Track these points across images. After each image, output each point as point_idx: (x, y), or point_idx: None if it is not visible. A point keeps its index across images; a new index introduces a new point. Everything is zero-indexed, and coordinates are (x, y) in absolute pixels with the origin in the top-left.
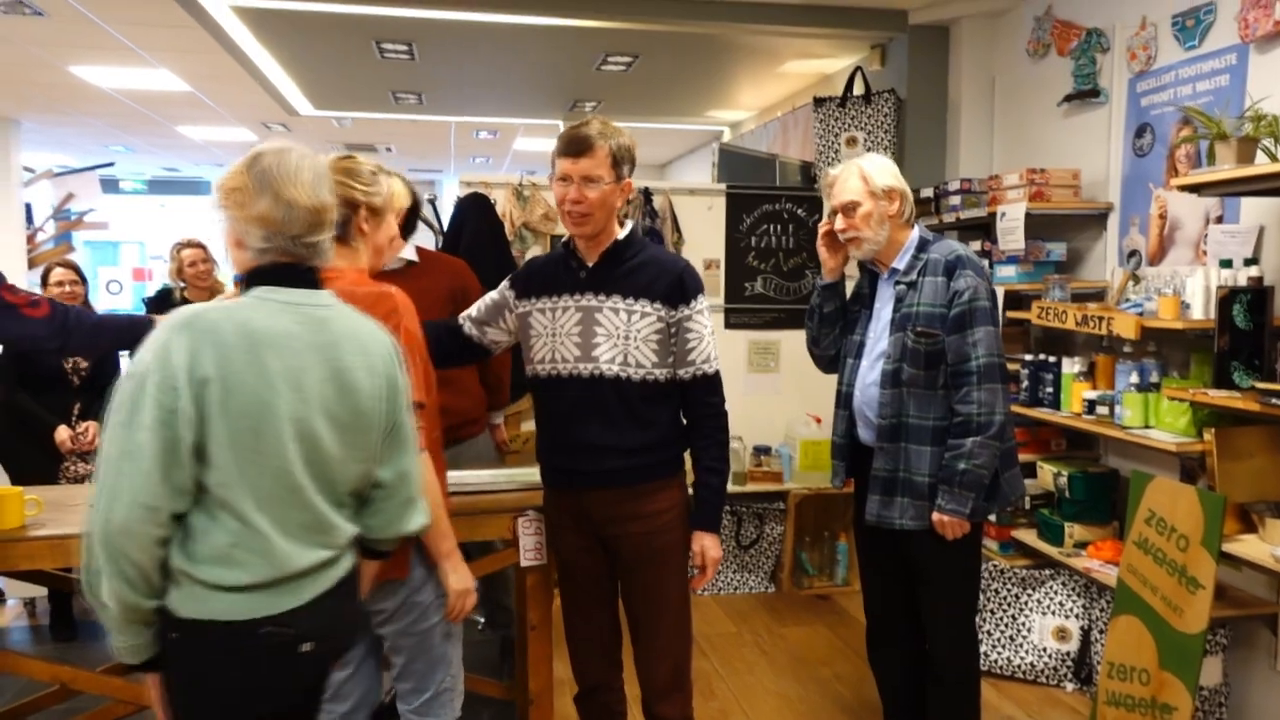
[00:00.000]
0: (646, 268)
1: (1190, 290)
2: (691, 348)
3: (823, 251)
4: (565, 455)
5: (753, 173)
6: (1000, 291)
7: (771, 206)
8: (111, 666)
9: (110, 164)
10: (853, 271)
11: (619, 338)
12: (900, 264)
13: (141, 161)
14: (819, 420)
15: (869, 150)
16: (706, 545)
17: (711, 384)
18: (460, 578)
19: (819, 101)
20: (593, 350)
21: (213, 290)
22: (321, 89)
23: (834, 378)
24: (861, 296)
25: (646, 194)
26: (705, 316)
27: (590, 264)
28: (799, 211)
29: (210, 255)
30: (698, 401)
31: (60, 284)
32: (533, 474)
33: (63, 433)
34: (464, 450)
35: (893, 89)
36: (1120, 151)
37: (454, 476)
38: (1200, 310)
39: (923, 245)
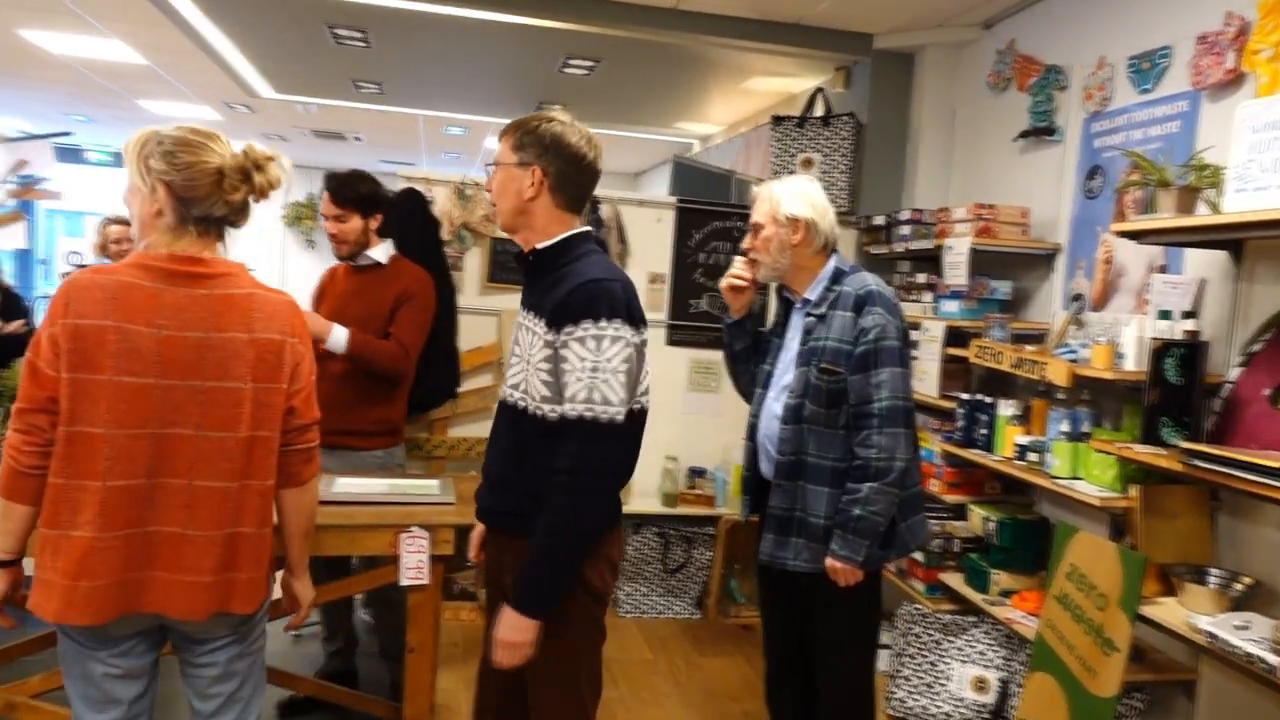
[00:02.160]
0: (560, 281)
1: (1125, 340)
2: (565, 382)
3: (725, 288)
4: (481, 484)
5: (708, 188)
6: (941, 326)
7: (722, 223)
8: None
9: (67, 133)
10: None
11: (525, 361)
12: (812, 295)
13: (105, 133)
14: None
15: (824, 173)
16: (502, 621)
17: (576, 431)
18: (309, 587)
19: (777, 120)
20: (509, 372)
21: None
22: (279, 72)
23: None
24: (776, 325)
25: (594, 202)
26: (592, 347)
27: (525, 271)
28: None
29: None
30: (560, 448)
31: None
32: (429, 487)
33: None
34: (367, 459)
35: (852, 112)
36: (1071, 192)
37: (340, 486)
38: (1133, 361)
39: (837, 277)
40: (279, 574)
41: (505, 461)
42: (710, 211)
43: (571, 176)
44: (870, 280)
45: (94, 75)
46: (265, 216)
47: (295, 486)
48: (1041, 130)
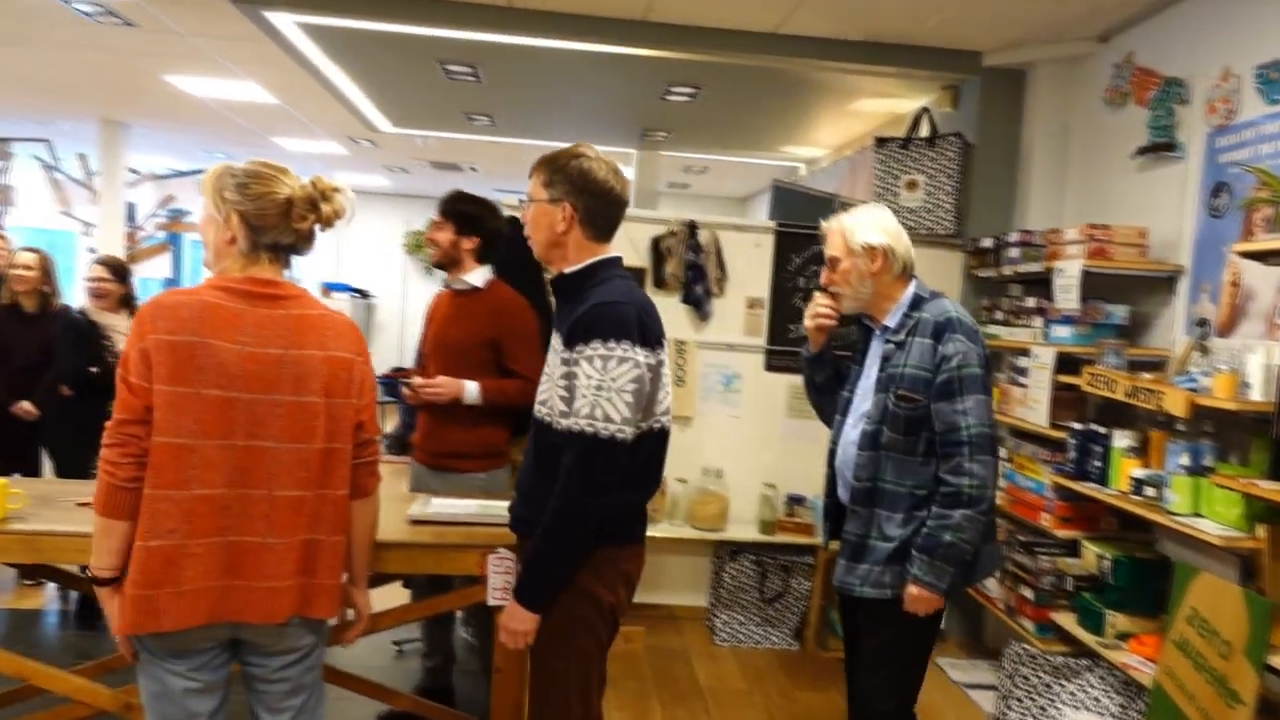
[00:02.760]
0: (582, 304)
1: (1251, 368)
2: (571, 397)
3: (810, 327)
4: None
5: (810, 212)
6: (1052, 353)
7: (823, 247)
8: (85, 667)
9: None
10: None
11: (549, 380)
12: (891, 321)
13: None
14: None
15: (929, 194)
16: (507, 608)
17: (576, 444)
18: (368, 600)
19: (881, 141)
20: (540, 388)
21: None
22: (396, 107)
23: None
24: (856, 352)
25: (691, 227)
26: (599, 366)
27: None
28: None
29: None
30: (563, 460)
31: (92, 279)
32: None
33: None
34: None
35: (959, 132)
36: (1194, 211)
37: (434, 506)
38: (1260, 391)
39: (916, 303)
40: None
41: (533, 474)
42: (810, 235)
43: (599, 210)
44: (950, 306)
45: (232, 115)
46: (389, 245)
47: (362, 498)
48: (1161, 146)
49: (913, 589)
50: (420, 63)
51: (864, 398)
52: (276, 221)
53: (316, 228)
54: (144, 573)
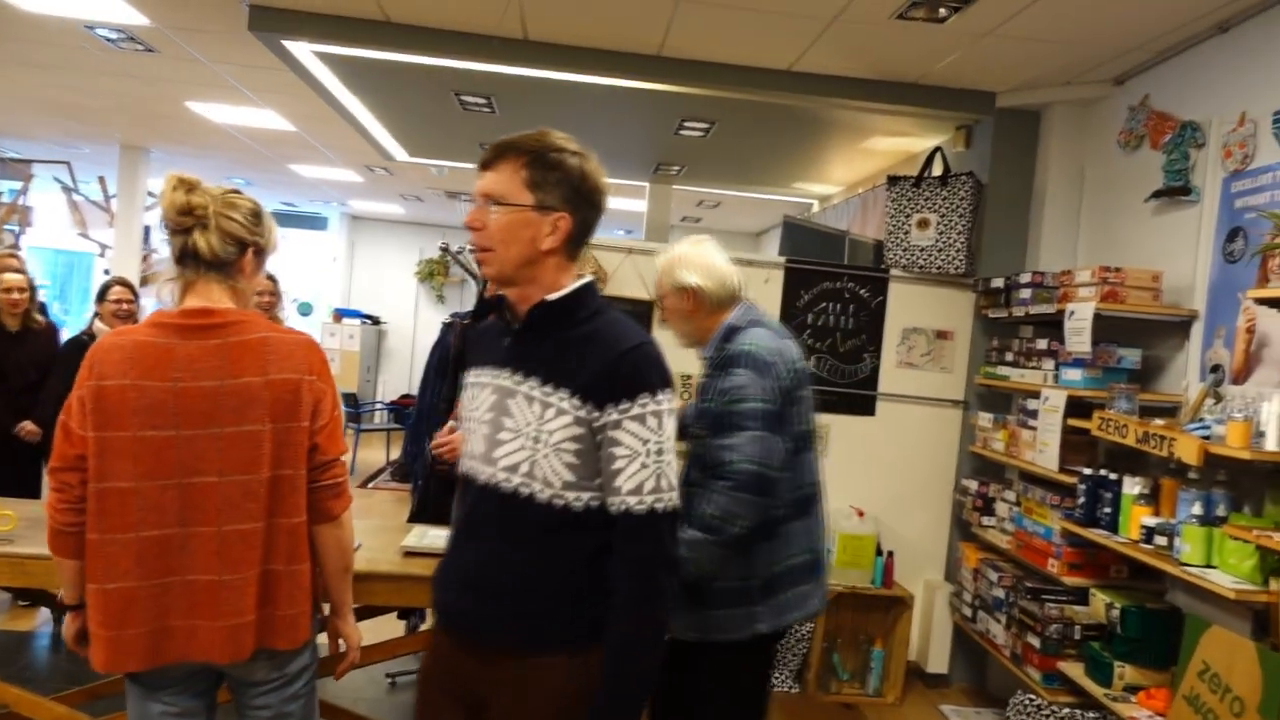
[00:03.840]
0: (585, 343)
1: (1266, 416)
2: (618, 469)
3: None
4: (442, 583)
5: (821, 249)
6: (1063, 396)
7: (832, 284)
8: (70, 694)
9: None
10: None
11: (527, 438)
12: (708, 354)
13: (261, 195)
14: (861, 514)
15: (941, 233)
16: None
17: (642, 528)
18: (355, 629)
19: (893, 180)
20: (495, 449)
21: None
22: (411, 136)
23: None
24: None
25: None
26: (654, 425)
27: (517, 327)
28: (862, 292)
29: (278, 288)
30: (619, 551)
31: (118, 301)
32: None
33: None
34: None
35: (971, 172)
36: (1209, 255)
37: (428, 538)
38: (1275, 440)
39: (728, 335)
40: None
41: (495, 562)
42: (820, 272)
43: (592, 225)
44: (750, 339)
45: (251, 142)
46: (402, 271)
47: (327, 522)
48: (1176, 190)
49: None
50: (436, 94)
51: None
52: (172, 229)
53: (217, 239)
54: (105, 614)
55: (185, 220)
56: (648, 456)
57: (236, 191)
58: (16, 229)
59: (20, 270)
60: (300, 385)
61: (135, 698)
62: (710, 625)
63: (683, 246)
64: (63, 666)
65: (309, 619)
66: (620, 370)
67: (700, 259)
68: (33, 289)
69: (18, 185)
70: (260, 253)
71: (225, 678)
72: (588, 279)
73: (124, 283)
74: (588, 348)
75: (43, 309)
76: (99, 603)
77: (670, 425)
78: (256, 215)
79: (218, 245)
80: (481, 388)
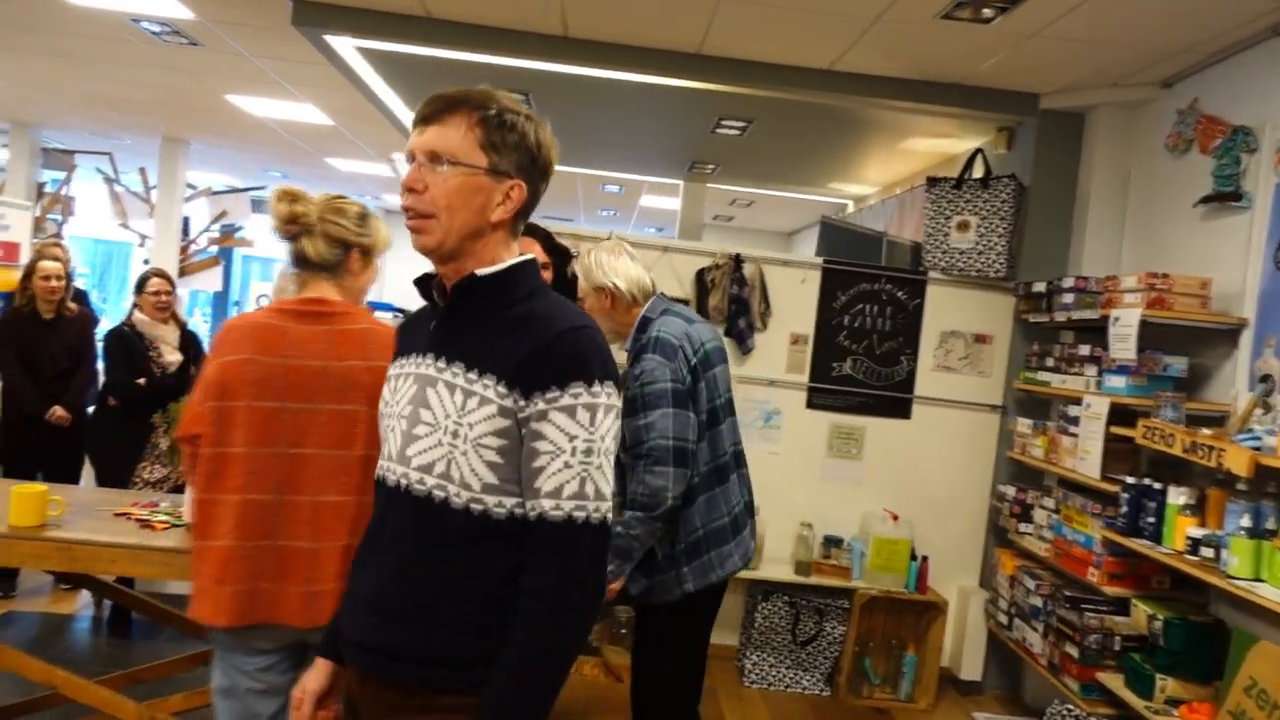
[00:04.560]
0: (519, 324)
1: None
2: (538, 467)
3: None
4: (344, 605)
5: (858, 249)
6: (1105, 403)
7: (870, 286)
8: (113, 677)
9: (262, 187)
10: None
11: (445, 433)
12: (629, 345)
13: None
14: (896, 518)
15: (981, 236)
16: None
17: (557, 539)
18: None
19: (933, 181)
20: (409, 445)
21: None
22: None
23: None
24: None
25: (737, 260)
26: (585, 420)
27: (444, 305)
28: (899, 294)
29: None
30: (528, 562)
31: (156, 293)
32: None
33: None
34: None
35: (1014, 174)
36: (1260, 262)
37: None
38: None
39: (643, 325)
40: None
41: (403, 579)
42: (857, 273)
43: (539, 199)
44: (660, 327)
45: (289, 136)
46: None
47: None
48: (1226, 195)
49: None
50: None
51: None
52: (281, 236)
53: (325, 244)
54: (205, 569)
55: (292, 228)
56: (572, 455)
57: (342, 197)
58: (59, 218)
59: (59, 259)
60: None
61: (223, 666)
62: (646, 590)
63: (598, 250)
64: (104, 650)
65: None
66: (553, 354)
67: (614, 262)
68: (69, 277)
69: (61, 175)
70: (367, 252)
71: (308, 657)
72: (528, 257)
73: (162, 274)
74: (521, 329)
75: (79, 297)
76: (201, 557)
77: (607, 423)
78: (362, 218)
79: (324, 249)
80: (404, 379)
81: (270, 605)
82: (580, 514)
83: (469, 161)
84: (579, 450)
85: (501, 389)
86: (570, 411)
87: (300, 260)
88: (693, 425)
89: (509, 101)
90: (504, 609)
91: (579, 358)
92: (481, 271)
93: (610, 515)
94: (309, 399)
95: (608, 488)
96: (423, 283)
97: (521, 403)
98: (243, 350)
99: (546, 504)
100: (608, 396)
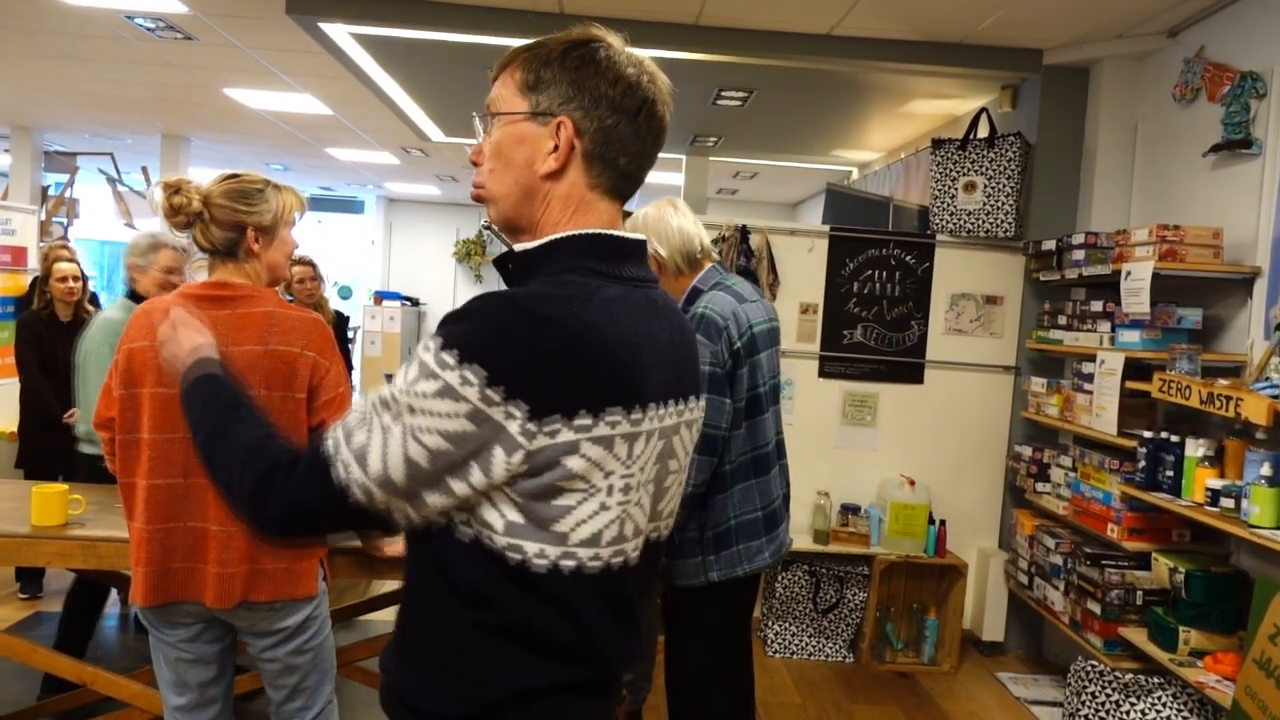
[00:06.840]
0: None
1: None
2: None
3: None
4: None
5: (864, 216)
6: (1120, 358)
7: (878, 251)
8: (142, 671)
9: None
10: None
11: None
12: None
13: (299, 180)
14: (913, 483)
15: (988, 196)
16: None
17: (312, 454)
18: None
19: (937, 143)
20: None
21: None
22: (447, 117)
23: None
24: None
25: (744, 231)
26: (400, 373)
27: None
28: (908, 258)
29: (318, 273)
30: (305, 449)
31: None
32: None
33: None
34: None
35: (1019, 132)
36: (1272, 210)
37: None
38: None
39: (692, 297)
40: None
41: (403, 603)
42: (864, 240)
43: (622, 132)
44: (705, 304)
45: (289, 127)
46: (440, 253)
47: None
48: (1236, 143)
49: None
50: (471, 70)
51: None
52: (182, 229)
53: (214, 230)
54: (132, 551)
55: (179, 219)
56: (367, 403)
57: (235, 176)
58: (65, 221)
59: (73, 260)
60: (297, 359)
61: (154, 642)
62: (674, 571)
63: (646, 212)
64: (131, 645)
65: (302, 577)
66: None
67: (658, 225)
68: (84, 279)
69: (64, 178)
70: (266, 229)
71: (237, 629)
72: (583, 232)
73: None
74: None
75: (94, 300)
76: (130, 541)
77: (423, 386)
78: (248, 195)
79: (215, 234)
80: None
81: (184, 584)
82: (326, 451)
83: (508, 109)
84: (375, 401)
85: None
86: (405, 365)
87: (200, 247)
88: (726, 412)
89: (585, 33)
90: (464, 645)
91: (449, 317)
92: (518, 248)
93: (353, 483)
94: None
95: (384, 463)
96: (501, 263)
97: None
98: (146, 337)
99: (330, 430)
100: (449, 365)
